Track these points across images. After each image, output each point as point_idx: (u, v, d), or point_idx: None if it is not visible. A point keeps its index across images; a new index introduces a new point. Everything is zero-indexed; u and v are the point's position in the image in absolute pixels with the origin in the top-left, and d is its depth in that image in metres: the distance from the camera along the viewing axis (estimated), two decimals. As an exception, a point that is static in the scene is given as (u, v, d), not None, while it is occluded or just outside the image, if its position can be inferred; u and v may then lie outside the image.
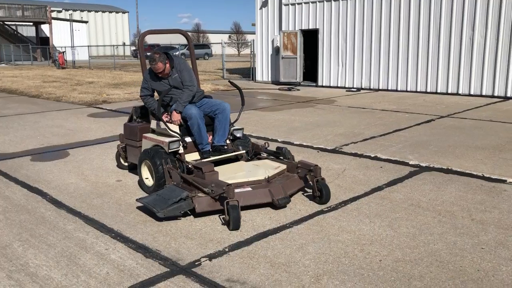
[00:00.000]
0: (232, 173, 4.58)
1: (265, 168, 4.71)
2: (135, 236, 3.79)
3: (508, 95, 11.83)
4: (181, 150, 4.80)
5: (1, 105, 12.41)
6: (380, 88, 14.34)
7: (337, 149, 6.75)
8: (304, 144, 7.06)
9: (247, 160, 5.13)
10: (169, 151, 4.66)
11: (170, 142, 4.66)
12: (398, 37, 13.67)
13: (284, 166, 4.80)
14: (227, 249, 3.53)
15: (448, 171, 5.51)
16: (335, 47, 15.25)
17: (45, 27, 45.32)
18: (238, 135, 5.22)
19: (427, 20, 13.03)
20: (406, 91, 13.69)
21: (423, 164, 5.79)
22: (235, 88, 5.44)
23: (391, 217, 4.13)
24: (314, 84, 16.10)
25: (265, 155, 5.23)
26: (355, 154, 6.40)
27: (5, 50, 38.53)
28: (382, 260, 3.32)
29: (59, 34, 44.91)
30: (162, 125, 4.87)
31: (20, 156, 6.62)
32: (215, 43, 44.16)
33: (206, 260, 3.36)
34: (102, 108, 11.48)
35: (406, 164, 5.85)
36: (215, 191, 4.04)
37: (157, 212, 3.95)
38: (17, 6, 41.31)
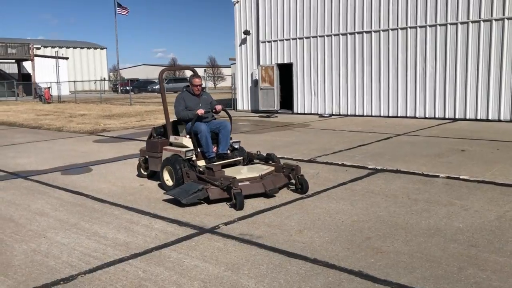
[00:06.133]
0: (234, 173, 6.09)
1: (258, 170, 6.25)
2: (168, 215, 5.25)
3: (457, 117, 13.78)
4: (194, 158, 6.31)
5: (10, 135, 13.70)
6: (349, 113, 16.18)
7: (311, 159, 8.35)
8: (285, 156, 8.62)
9: (244, 165, 6.66)
10: (186, 158, 6.17)
11: (186, 151, 6.18)
12: (362, 68, 15.62)
13: (272, 168, 6.34)
14: (236, 220, 5.02)
15: (397, 171, 7.15)
16: (308, 78, 17.12)
17: (26, 64, 46.45)
18: (236, 146, 6.77)
19: (386, 53, 15.04)
20: (372, 115, 15.55)
21: (379, 167, 7.43)
22: (226, 115, 6.90)
23: (351, 199, 5.70)
24: (290, 112, 17.88)
25: (257, 160, 6.77)
26: (326, 163, 8.01)
27: (-12, 87, 39.52)
28: (344, 221, 4.87)
29: (40, 70, 46.07)
30: (178, 140, 6.40)
31: (51, 172, 7.99)
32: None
33: (223, 225, 4.85)
34: (104, 136, 12.88)
35: (366, 168, 7.48)
36: (224, 183, 5.55)
37: (182, 200, 5.42)
38: (1, 44, 42.47)
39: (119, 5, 48.43)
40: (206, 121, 6.66)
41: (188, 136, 6.46)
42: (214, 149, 6.56)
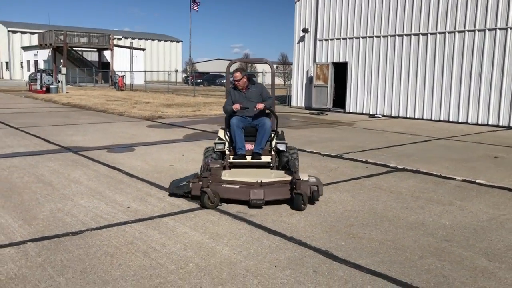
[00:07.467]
0: (240, 174, 5.82)
1: (270, 176, 5.63)
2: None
3: (511, 125, 13.26)
4: (227, 151, 6.49)
5: (76, 116, 15.07)
6: (400, 115, 16.03)
7: (338, 155, 8.59)
8: (315, 151, 8.94)
9: (277, 169, 6.14)
10: (216, 150, 6.50)
11: (216, 143, 6.48)
12: (416, 70, 15.41)
13: (288, 178, 5.44)
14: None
15: (416, 171, 7.25)
16: (362, 78, 17.13)
17: (106, 53, 49.66)
18: (281, 148, 6.18)
19: (441, 56, 14.74)
20: (422, 119, 15.32)
21: (400, 167, 7.55)
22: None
23: (355, 192, 5.96)
24: (342, 111, 17.97)
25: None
26: (350, 159, 8.23)
27: (71, 73, 42.67)
28: (336, 210, 5.18)
29: (118, 59, 49.06)
30: (218, 132, 6.82)
31: (99, 149, 8.88)
32: (260, 72, 46.49)
33: (225, 203, 5.33)
34: (158, 122, 13.82)
35: (387, 166, 7.63)
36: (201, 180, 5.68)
37: (169, 190, 5.70)
38: (85, 34, 45.80)
39: (193, 1, 50.27)
40: (249, 116, 6.40)
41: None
42: (250, 146, 6.30)
